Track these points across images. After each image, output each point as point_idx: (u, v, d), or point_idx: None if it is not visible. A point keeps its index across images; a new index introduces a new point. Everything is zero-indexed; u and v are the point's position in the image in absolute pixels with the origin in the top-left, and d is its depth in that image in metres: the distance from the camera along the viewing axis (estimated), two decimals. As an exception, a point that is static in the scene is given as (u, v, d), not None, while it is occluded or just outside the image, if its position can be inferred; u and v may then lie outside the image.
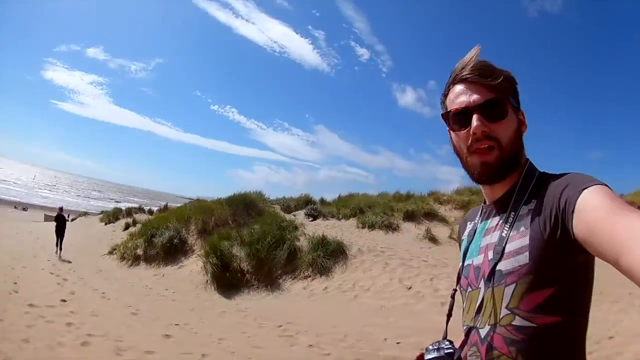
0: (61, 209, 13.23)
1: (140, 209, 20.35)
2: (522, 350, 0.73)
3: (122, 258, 10.36)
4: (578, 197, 0.66)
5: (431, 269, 7.17)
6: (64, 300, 5.92)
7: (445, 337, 0.91)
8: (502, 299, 0.76)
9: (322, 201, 14.57)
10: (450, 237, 9.61)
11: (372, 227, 10.29)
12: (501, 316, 0.76)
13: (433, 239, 9.41)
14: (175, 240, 9.66)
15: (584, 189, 0.67)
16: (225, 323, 5.45)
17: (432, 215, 10.97)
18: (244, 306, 6.30)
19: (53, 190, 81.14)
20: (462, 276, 0.92)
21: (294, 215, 11.26)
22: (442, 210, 11.53)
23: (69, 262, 10.42)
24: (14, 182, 75.84)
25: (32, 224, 20.90)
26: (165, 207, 18.84)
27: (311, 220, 11.27)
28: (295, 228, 8.27)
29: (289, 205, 12.34)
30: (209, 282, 7.38)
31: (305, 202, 13.89)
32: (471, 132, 0.80)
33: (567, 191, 0.70)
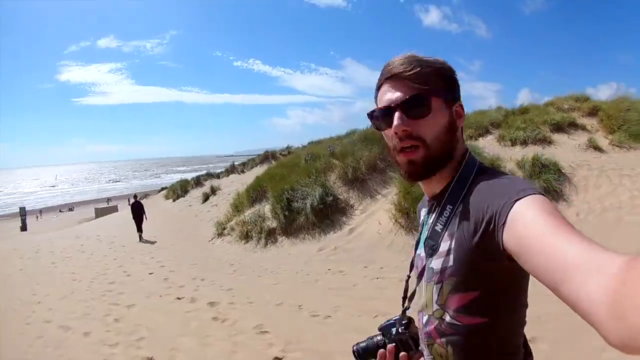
0: (135, 196, 13.01)
1: (209, 175, 18.09)
2: (451, 343, 0.75)
3: (245, 237, 8.39)
4: (511, 209, 0.60)
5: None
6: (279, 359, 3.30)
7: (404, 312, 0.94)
8: (432, 295, 0.77)
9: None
10: (612, 144, 9.31)
11: (524, 143, 9.75)
12: (434, 309, 0.77)
13: (597, 148, 9.05)
14: (329, 199, 7.90)
15: (518, 199, 0.60)
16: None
17: (573, 125, 10.52)
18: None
19: (94, 183, 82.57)
20: (414, 264, 0.91)
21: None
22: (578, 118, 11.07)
23: (172, 258, 7.92)
24: (54, 187, 75.06)
25: (88, 226, 16.60)
26: (233, 167, 17.51)
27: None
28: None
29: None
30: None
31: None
32: (392, 132, 0.76)
33: (498, 199, 0.64)
